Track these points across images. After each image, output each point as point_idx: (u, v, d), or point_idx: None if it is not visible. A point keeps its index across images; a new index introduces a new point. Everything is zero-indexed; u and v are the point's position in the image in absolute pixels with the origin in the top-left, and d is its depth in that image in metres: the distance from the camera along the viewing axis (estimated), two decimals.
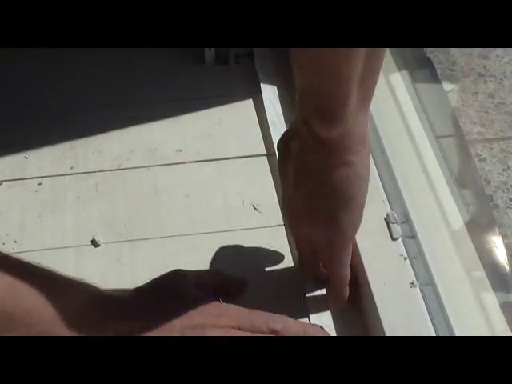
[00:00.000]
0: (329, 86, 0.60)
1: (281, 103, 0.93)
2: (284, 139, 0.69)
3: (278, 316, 0.64)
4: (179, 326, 0.60)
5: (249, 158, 0.88)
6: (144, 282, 0.66)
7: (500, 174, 1.07)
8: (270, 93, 0.94)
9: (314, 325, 0.68)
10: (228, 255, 0.77)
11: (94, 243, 0.79)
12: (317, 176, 0.64)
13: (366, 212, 0.74)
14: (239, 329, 0.61)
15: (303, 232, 0.70)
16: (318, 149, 0.63)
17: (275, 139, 0.88)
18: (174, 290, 0.63)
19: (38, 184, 0.85)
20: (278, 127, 0.90)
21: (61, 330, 0.57)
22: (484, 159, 1.10)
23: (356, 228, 0.67)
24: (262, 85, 0.95)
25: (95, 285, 0.63)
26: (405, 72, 0.97)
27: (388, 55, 0.97)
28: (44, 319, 0.57)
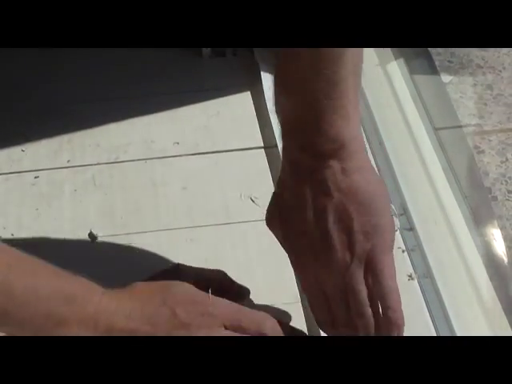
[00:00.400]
0: (326, 84, 0.59)
1: None
2: (273, 206, 0.66)
3: (267, 318, 0.63)
4: (165, 327, 0.59)
5: (246, 151, 0.88)
6: (140, 276, 0.65)
7: (498, 166, 1.07)
8: (269, 82, 0.94)
9: (298, 329, 0.67)
10: (225, 248, 0.77)
11: (91, 236, 0.78)
12: (338, 191, 0.61)
13: None
14: (226, 327, 0.60)
15: (339, 265, 0.62)
16: (326, 165, 0.61)
17: (275, 128, 0.87)
18: (169, 288, 0.62)
19: (35, 177, 0.84)
20: None
21: (55, 326, 0.57)
22: (482, 151, 1.10)
23: (392, 230, 0.62)
24: (262, 73, 0.94)
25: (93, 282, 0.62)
26: (403, 64, 0.96)
27: None
28: (39, 314, 0.57)
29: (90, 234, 0.78)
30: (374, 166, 0.78)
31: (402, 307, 0.65)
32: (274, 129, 0.87)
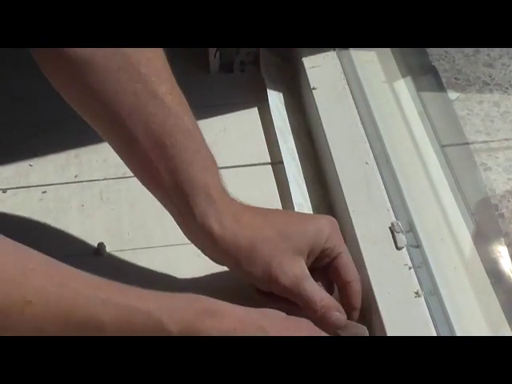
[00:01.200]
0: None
1: (286, 110, 0.93)
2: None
3: None
4: None
5: (253, 167, 0.88)
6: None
7: (505, 183, 1.07)
8: (275, 99, 0.94)
9: None
10: None
11: (98, 251, 0.78)
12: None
13: (370, 221, 0.74)
14: None
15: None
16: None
17: (282, 145, 0.88)
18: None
19: (43, 192, 0.85)
20: (284, 133, 0.90)
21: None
22: (489, 168, 1.10)
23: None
24: (268, 90, 0.94)
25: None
26: (410, 81, 0.97)
27: (393, 63, 0.97)
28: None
29: (97, 250, 0.78)
30: (381, 182, 0.78)
31: (408, 324, 0.66)
32: (280, 145, 0.88)
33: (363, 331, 0.67)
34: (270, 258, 0.66)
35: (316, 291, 0.67)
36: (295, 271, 0.66)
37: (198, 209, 0.66)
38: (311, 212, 0.81)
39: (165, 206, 0.69)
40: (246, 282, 0.68)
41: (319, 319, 0.66)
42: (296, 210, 0.80)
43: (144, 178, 0.69)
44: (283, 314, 0.63)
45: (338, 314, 0.66)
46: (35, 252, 0.56)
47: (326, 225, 0.69)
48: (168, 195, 0.67)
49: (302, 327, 0.63)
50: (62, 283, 0.55)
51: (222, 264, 0.69)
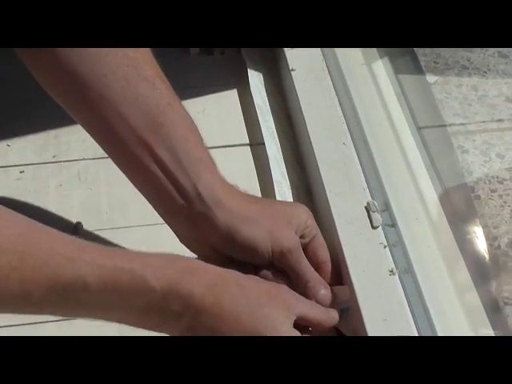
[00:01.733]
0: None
1: (266, 92, 0.94)
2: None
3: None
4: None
5: (232, 148, 0.88)
6: None
7: (482, 165, 1.08)
8: (256, 79, 0.94)
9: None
10: None
11: (76, 231, 0.78)
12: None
13: (346, 200, 0.74)
14: None
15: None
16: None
17: (262, 124, 0.88)
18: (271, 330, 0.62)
19: (21, 172, 0.85)
20: (264, 113, 0.90)
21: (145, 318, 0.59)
22: (466, 151, 1.10)
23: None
24: (249, 70, 0.95)
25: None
26: (388, 63, 0.97)
27: None
28: (121, 307, 0.58)
29: (75, 229, 0.79)
30: (358, 162, 0.79)
31: (382, 302, 0.66)
32: (261, 124, 0.88)
33: (344, 292, 0.68)
34: (273, 224, 0.67)
35: (308, 263, 0.69)
36: (295, 238, 0.68)
37: (202, 180, 0.66)
38: (290, 191, 0.82)
39: (155, 192, 0.69)
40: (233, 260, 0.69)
41: (308, 289, 0.67)
42: (275, 187, 0.81)
43: (135, 160, 0.68)
44: (261, 279, 0.65)
45: (325, 292, 0.67)
46: (19, 216, 0.56)
47: (303, 209, 0.71)
48: (166, 172, 0.66)
49: (282, 290, 0.64)
50: (48, 247, 0.55)
51: (215, 241, 0.68)
